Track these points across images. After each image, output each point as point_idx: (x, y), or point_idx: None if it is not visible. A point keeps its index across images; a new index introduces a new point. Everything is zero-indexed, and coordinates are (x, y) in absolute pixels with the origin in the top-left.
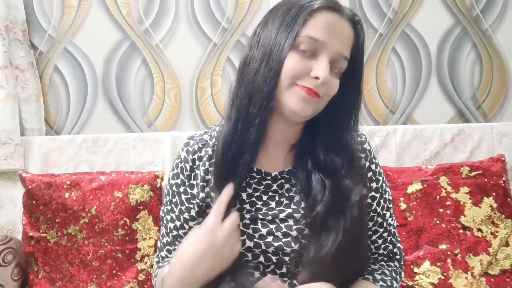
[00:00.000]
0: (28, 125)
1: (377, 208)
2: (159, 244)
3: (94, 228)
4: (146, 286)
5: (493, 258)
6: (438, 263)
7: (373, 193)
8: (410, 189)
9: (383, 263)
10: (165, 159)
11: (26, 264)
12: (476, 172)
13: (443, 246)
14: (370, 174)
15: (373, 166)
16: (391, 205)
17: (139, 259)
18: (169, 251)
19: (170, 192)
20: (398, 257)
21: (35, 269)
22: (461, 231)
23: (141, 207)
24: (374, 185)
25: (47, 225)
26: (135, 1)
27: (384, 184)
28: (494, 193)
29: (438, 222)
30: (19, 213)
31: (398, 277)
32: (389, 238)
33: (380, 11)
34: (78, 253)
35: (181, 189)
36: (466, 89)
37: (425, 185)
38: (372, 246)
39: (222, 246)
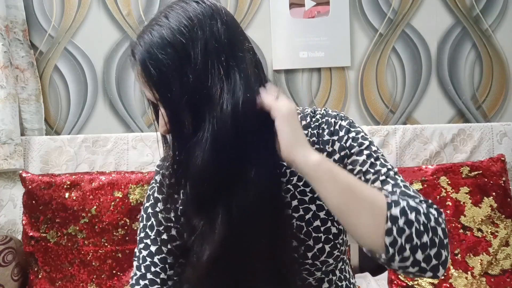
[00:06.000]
0: (28, 125)
1: (362, 168)
2: (132, 275)
3: (94, 228)
4: None
5: (493, 258)
6: None
7: (355, 158)
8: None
9: None
10: None
11: (26, 264)
12: (476, 172)
13: None
14: (338, 144)
15: (341, 133)
16: (378, 162)
17: None
18: None
19: (144, 216)
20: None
21: (35, 269)
22: (461, 231)
23: (141, 207)
24: (346, 152)
25: (47, 225)
26: (135, 1)
27: (366, 142)
28: (494, 193)
29: None
30: (19, 213)
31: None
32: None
33: (380, 11)
34: (78, 253)
35: (157, 209)
36: (466, 89)
37: (425, 185)
38: None
39: None
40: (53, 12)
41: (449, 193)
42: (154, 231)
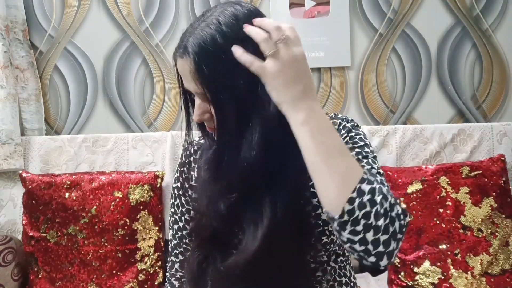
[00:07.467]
0: (28, 125)
1: None
2: (170, 249)
3: (94, 228)
4: (146, 286)
5: (493, 258)
6: (438, 263)
7: None
8: (410, 189)
9: None
10: (165, 159)
11: (26, 264)
12: (476, 172)
13: (443, 246)
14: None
15: (343, 131)
16: (365, 160)
17: (139, 259)
18: (176, 255)
19: (173, 194)
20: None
21: (35, 269)
22: (461, 231)
23: (141, 207)
24: None
25: (47, 225)
26: (135, 1)
27: (362, 142)
28: (494, 193)
29: (438, 222)
30: (19, 213)
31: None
32: None
33: (380, 11)
34: (78, 253)
35: (181, 192)
36: (466, 89)
37: (425, 185)
38: None
39: None
40: (53, 12)
41: (449, 193)
42: (180, 210)
